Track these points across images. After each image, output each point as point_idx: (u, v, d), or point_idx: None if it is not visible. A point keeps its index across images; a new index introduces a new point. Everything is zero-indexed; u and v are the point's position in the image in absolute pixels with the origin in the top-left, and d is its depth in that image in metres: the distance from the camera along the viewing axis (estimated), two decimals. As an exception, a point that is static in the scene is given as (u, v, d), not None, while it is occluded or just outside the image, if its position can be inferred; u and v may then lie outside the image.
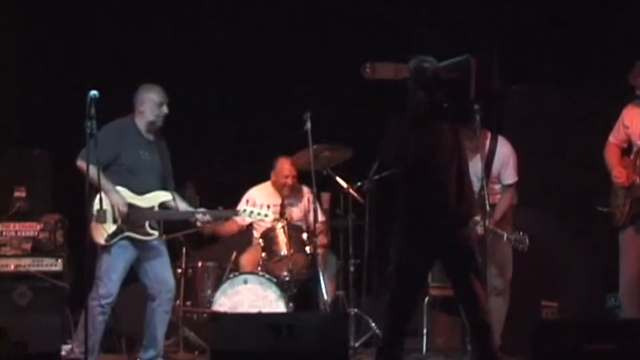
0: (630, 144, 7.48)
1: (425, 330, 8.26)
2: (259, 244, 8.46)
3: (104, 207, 7.25)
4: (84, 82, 7.31)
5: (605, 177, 7.49)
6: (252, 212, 7.77)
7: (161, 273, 7.57)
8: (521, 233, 7.47)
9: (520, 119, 8.31)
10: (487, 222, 7.16)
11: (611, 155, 7.46)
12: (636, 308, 7.25)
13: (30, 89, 9.08)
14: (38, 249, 8.48)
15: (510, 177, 7.84)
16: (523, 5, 8.90)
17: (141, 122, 7.54)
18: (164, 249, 7.65)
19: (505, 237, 7.51)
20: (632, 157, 7.37)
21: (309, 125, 7.85)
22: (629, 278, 7.32)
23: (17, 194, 8.67)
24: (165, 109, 7.56)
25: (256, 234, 8.65)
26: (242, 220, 8.68)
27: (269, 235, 8.36)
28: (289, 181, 8.70)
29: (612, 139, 7.52)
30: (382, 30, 9.11)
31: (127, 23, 9.18)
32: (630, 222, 7.30)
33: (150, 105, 7.55)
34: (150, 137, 7.58)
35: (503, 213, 7.73)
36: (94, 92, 7.06)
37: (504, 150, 7.86)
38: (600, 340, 6.12)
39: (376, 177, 7.93)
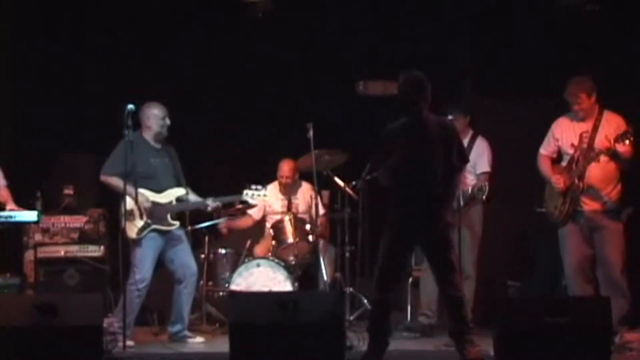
0: (559, 154, 7.47)
1: (409, 306, 8.31)
2: (269, 233, 8.55)
3: (130, 207, 7.44)
4: (123, 97, 7.39)
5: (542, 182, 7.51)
6: (252, 194, 7.79)
7: (185, 260, 7.68)
8: (481, 185, 7.51)
9: (491, 128, 8.21)
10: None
11: (545, 166, 7.51)
12: (580, 288, 7.28)
13: (76, 103, 9.16)
14: (84, 238, 8.53)
15: (483, 166, 7.80)
16: (493, 30, 8.88)
17: (149, 135, 7.67)
18: (185, 238, 7.79)
19: (469, 190, 7.52)
20: (565, 164, 7.39)
21: (311, 133, 7.84)
22: (572, 265, 7.35)
23: (66, 191, 8.70)
24: (167, 120, 7.65)
25: (268, 225, 8.71)
26: (256, 215, 8.84)
27: (278, 226, 8.45)
28: (283, 180, 8.78)
29: (543, 151, 7.55)
30: (372, 52, 9.12)
31: (156, 48, 9.16)
32: (571, 218, 7.32)
33: (155, 119, 7.62)
34: (158, 145, 7.72)
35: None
36: (131, 106, 7.28)
37: (481, 144, 7.89)
38: (555, 315, 6.16)
39: (368, 177, 7.83)
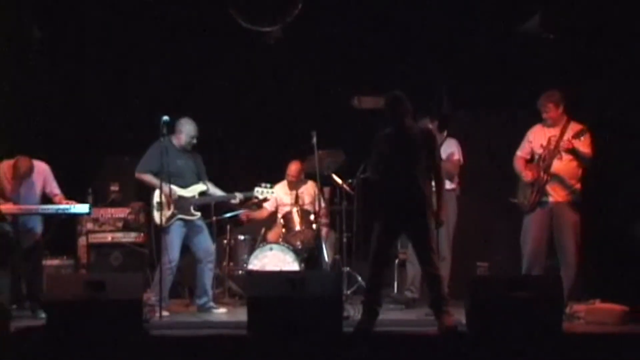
0: (532, 156, 7.46)
1: (395, 282, 8.32)
2: (280, 222, 8.50)
3: (161, 199, 7.48)
4: (158, 110, 7.44)
5: (515, 178, 7.51)
6: (262, 191, 7.81)
7: (205, 244, 7.71)
8: None
9: (464, 135, 8.19)
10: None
11: (519, 164, 7.50)
12: (537, 268, 7.27)
13: (120, 116, 9.16)
14: (127, 226, 8.63)
15: (452, 153, 7.78)
16: (466, 55, 8.84)
17: (177, 142, 7.67)
18: (205, 227, 7.75)
19: None
20: (535, 162, 7.39)
21: (315, 140, 7.88)
22: (532, 247, 7.31)
23: (112, 188, 8.93)
24: (194, 141, 7.65)
25: (279, 215, 8.67)
26: (270, 207, 8.77)
27: (287, 217, 8.40)
28: (290, 178, 8.72)
29: (519, 152, 7.54)
30: (365, 73, 9.09)
31: (187, 69, 9.17)
32: (538, 206, 7.28)
33: (186, 135, 7.63)
34: (184, 150, 7.68)
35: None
36: (165, 118, 7.29)
37: (451, 141, 7.85)
38: (517, 290, 6.20)
39: (362, 176, 7.91)
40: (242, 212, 8.59)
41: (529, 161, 7.52)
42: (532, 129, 7.51)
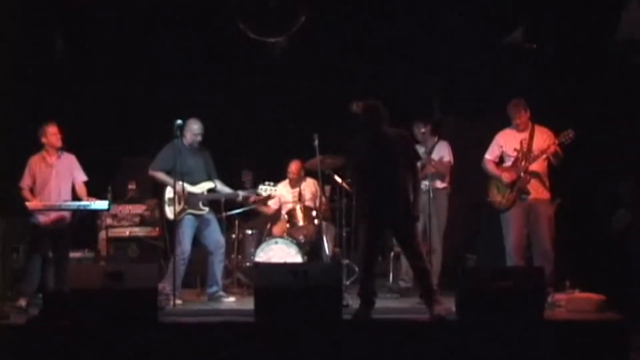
0: (500, 158, 7.52)
1: (391, 274, 8.32)
2: (284, 218, 8.48)
3: (172, 196, 7.48)
4: (172, 114, 7.44)
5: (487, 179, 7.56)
6: (265, 189, 7.80)
7: (215, 237, 7.71)
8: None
9: (454, 138, 8.19)
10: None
11: (492, 167, 7.55)
12: (519, 260, 7.28)
13: (137, 120, 9.12)
14: (143, 221, 8.62)
15: (446, 157, 7.85)
16: (456, 64, 8.78)
17: (186, 142, 7.66)
18: (215, 221, 7.75)
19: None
20: (509, 164, 7.43)
21: (316, 142, 7.84)
22: (514, 242, 7.33)
23: (129, 186, 8.80)
24: (199, 138, 7.65)
25: (283, 212, 8.65)
26: (274, 205, 8.74)
27: (291, 213, 8.38)
28: (291, 176, 8.72)
29: (488, 156, 7.57)
30: (364, 79, 8.98)
31: (200, 77, 9.09)
32: (518, 202, 7.31)
33: (191, 134, 7.65)
34: (194, 149, 7.70)
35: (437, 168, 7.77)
36: (178, 122, 7.28)
37: (443, 144, 7.91)
38: (502, 280, 6.24)
39: None
40: (250, 208, 8.56)
41: (498, 163, 7.56)
42: (501, 134, 7.55)
